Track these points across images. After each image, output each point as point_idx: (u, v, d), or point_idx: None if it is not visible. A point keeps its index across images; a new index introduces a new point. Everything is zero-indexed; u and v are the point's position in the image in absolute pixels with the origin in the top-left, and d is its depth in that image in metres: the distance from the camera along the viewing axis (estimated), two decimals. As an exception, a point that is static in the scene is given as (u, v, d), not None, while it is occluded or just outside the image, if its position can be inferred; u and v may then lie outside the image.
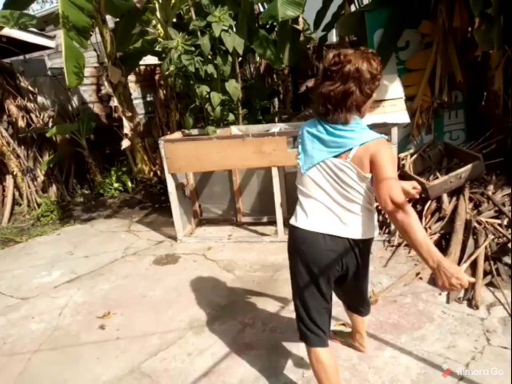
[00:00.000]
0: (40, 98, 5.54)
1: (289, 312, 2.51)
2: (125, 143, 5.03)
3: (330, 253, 1.53)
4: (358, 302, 1.90)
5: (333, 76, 1.43)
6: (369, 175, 1.44)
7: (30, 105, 5.41)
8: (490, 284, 2.54)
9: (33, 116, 5.42)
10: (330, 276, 1.59)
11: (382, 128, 3.19)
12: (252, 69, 6.61)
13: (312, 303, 1.61)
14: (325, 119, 1.49)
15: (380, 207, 1.51)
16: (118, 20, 5.07)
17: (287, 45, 4.68)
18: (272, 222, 3.81)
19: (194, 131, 4.06)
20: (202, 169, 3.78)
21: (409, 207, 1.33)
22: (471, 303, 2.37)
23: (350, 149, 1.44)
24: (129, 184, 5.52)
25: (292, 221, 1.62)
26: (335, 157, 1.47)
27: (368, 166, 1.42)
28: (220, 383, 2.01)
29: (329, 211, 1.53)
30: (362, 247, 1.58)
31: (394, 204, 1.32)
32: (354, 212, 1.52)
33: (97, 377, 2.15)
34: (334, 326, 2.22)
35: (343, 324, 2.27)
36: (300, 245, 1.57)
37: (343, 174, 1.47)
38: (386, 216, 3.41)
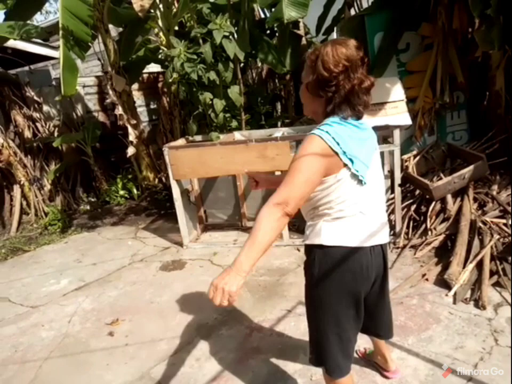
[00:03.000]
0: (45, 108, 5.62)
1: (296, 315, 2.52)
2: (131, 151, 5.08)
3: (374, 267, 1.41)
4: (379, 322, 1.66)
5: (362, 66, 1.29)
6: None
7: (36, 115, 5.48)
8: (496, 284, 2.54)
9: (39, 125, 5.49)
10: (367, 290, 1.46)
11: (384, 130, 3.22)
12: (254, 74, 6.65)
13: (349, 327, 1.45)
14: (356, 117, 1.34)
15: None
16: (121, 29, 5.16)
17: (288, 49, 4.73)
18: (277, 226, 3.82)
19: (198, 137, 4.10)
20: (207, 175, 3.81)
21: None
22: (478, 303, 2.37)
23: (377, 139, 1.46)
24: (135, 191, 5.57)
25: (340, 242, 1.35)
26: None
27: None
28: (229, 388, 2.03)
29: (380, 219, 1.42)
30: (386, 250, 1.47)
31: None
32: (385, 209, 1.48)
33: (107, 383, 2.17)
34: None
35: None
36: (355, 269, 1.36)
37: (380, 165, 1.44)
38: (391, 218, 3.42)
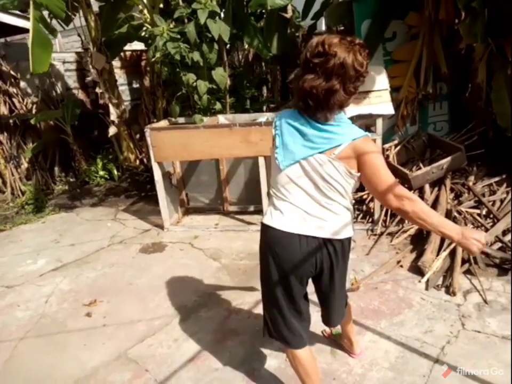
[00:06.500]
0: (23, 84, 5.40)
1: (274, 299, 2.56)
2: (112, 130, 4.98)
3: (305, 254, 1.47)
4: (330, 310, 1.73)
5: (315, 69, 1.29)
6: (357, 173, 1.39)
7: (13, 90, 5.26)
8: (467, 272, 2.64)
9: (15, 101, 5.28)
10: (303, 276, 1.54)
11: (367, 119, 3.24)
12: (240, 57, 6.55)
13: (284, 304, 1.56)
14: (305, 114, 1.38)
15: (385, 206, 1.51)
16: (103, 3, 4.96)
17: (275, 33, 4.66)
18: (259, 211, 3.85)
19: (181, 119, 4.04)
20: (189, 158, 3.77)
21: (413, 195, 1.37)
22: (449, 290, 2.47)
23: (338, 145, 1.35)
24: (115, 172, 5.47)
25: (266, 220, 1.52)
26: (320, 153, 1.37)
27: (355, 164, 1.37)
28: (206, 368, 2.06)
29: (307, 211, 1.44)
30: (338, 247, 1.50)
31: (399, 197, 1.32)
32: (333, 211, 1.45)
33: (84, 363, 2.17)
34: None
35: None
36: (274, 246, 1.49)
37: (327, 171, 1.38)
38: (370, 205, 3.49)
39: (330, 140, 1.36)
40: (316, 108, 1.34)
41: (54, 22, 4.36)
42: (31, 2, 3.74)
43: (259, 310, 2.49)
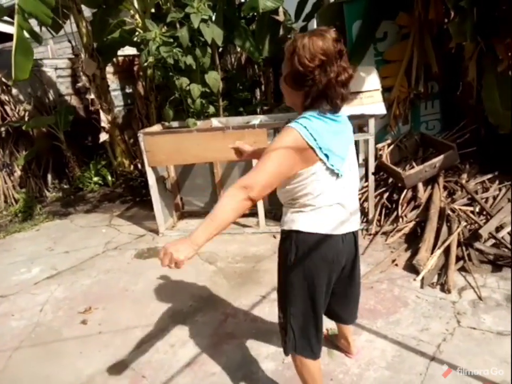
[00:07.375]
0: (15, 91, 5.38)
1: (270, 301, 2.56)
2: (103, 137, 4.97)
3: (346, 251, 1.46)
4: (344, 307, 1.73)
5: (343, 58, 1.27)
6: None
7: (4, 97, 5.24)
8: (462, 269, 2.65)
9: (8, 109, 5.25)
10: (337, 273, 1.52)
11: (359, 119, 3.25)
12: (233, 60, 6.57)
13: (321, 313, 1.51)
14: (333, 112, 1.31)
15: None
16: (95, 10, 4.96)
17: (266, 36, 4.68)
18: (253, 214, 3.83)
19: (175, 123, 4.03)
20: (183, 162, 3.77)
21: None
22: (444, 287, 2.47)
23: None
24: (109, 177, 5.45)
25: (316, 229, 1.37)
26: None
27: None
28: (202, 373, 2.05)
29: (351, 208, 1.43)
30: (357, 236, 1.54)
31: None
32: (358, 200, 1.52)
33: (80, 371, 2.16)
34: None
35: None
36: (328, 254, 1.40)
37: (355, 158, 1.46)
38: (364, 205, 3.50)
39: (350, 128, 1.45)
40: (347, 97, 1.32)
41: (44, 29, 4.35)
42: (16, 9, 3.73)
43: (256, 312, 2.49)
